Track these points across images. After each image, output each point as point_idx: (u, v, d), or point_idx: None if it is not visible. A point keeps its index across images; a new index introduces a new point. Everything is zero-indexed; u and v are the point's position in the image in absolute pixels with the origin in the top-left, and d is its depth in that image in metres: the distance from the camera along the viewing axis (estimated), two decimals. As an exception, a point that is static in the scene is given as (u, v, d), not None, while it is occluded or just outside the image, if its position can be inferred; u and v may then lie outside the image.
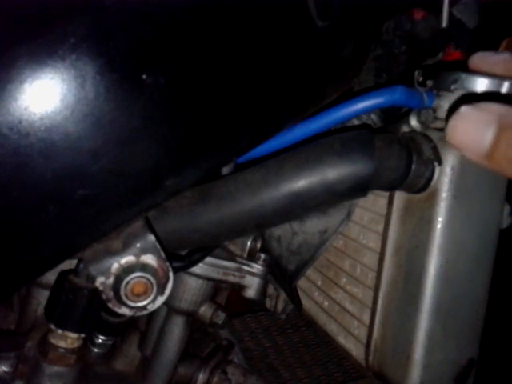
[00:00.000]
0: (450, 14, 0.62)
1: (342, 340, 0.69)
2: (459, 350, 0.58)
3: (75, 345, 0.57)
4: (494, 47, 0.51)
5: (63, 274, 0.56)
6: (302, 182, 0.50)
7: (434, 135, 0.55)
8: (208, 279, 0.68)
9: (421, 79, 0.58)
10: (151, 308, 0.50)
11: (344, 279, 0.70)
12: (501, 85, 0.47)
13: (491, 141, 0.30)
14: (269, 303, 0.86)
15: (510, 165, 0.30)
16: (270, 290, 0.84)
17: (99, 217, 0.44)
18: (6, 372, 0.60)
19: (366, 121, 0.61)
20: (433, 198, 0.54)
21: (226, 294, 0.79)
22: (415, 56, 0.64)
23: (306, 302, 0.80)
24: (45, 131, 0.38)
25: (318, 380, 1.31)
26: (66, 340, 0.56)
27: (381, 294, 0.60)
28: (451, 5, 0.62)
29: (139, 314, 0.50)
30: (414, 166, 0.53)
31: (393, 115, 0.62)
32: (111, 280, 0.48)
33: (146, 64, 0.41)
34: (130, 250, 0.48)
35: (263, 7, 0.48)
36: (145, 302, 0.49)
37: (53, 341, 0.56)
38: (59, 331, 0.55)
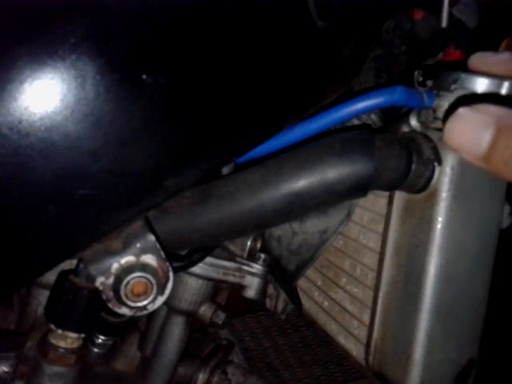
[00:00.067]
0: (450, 14, 0.62)
1: (342, 340, 0.69)
2: (459, 350, 0.58)
3: (75, 345, 0.57)
4: (494, 47, 0.51)
5: (63, 274, 0.56)
6: (302, 182, 0.50)
7: (434, 135, 0.55)
8: (208, 279, 0.68)
9: (421, 79, 0.58)
10: (151, 308, 0.50)
11: (344, 279, 0.70)
12: (501, 85, 0.47)
13: (488, 143, 0.30)
14: (269, 303, 0.86)
15: (506, 167, 0.30)
16: (270, 290, 0.84)
17: (99, 217, 0.44)
18: (6, 372, 0.60)
19: (366, 121, 0.61)
20: (433, 198, 0.54)
21: (225, 294, 0.79)
22: (415, 56, 0.64)
23: (306, 302, 0.80)
24: (45, 131, 0.38)
25: (318, 380, 1.31)
26: (66, 340, 0.56)
27: (381, 294, 0.60)
28: (451, 5, 0.62)
29: (139, 314, 0.50)
30: (414, 166, 0.53)
31: (393, 115, 0.62)
32: (111, 280, 0.48)
33: (146, 64, 0.41)
34: (130, 250, 0.48)
35: (263, 7, 0.48)
36: (145, 302, 0.49)
37: (53, 341, 0.56)
38: (59, 331, 0.55)
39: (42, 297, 0.66)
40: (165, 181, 0.46)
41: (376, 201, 0.64)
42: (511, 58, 0.43)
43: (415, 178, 0.54)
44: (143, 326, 0.74)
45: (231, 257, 0.68)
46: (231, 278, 0.67)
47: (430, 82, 0.57)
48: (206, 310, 0.70)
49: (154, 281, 0.49)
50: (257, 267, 0.68)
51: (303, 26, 0.52)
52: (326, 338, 0.74)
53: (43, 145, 0.38)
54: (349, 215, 0.65)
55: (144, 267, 0.49)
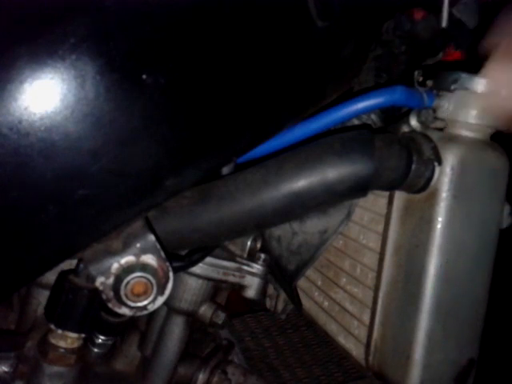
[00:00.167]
0: (450, 14, 0.62)
1: (342, 340, 0.69)
2: (459, 350, 0.58)
3: (75, 345, 0.57)
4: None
5: (63, 274, 0.56)
6: (302, 182, 0.50)
7: (434, 135, 0.55)
8: (208, 279, 0.68)
9: (421, 79, 0.58)
10: (151, 308, 0.50)
11: (344, 279, 0.70)
12: None
13: None
14: (269, 303, 0.86)
15: None
16: (270, 289, 0.84)
17: (99, 217, 0.44)
18: (6, 372, 0.60)
19: (366, 121, 0.61)
20: (433, 198, 0.54)
21: (225, 294, 0.79)
22: (415, 56, 0.64)
23: (306, 302, 0.80)
24: (45, 131, 0.38)
25: (318, 380, 1.31)
26: (66, 340, 0.56)
27: (381, 294, 0.60)
28: (451, 5, 0.62)
29: (139, 314, 0.50)
30: (414, 166, 0.53)
31: (393, 115, 0.62)
32: (111, 280, 0.48)
33: (146, 64, 0.41)
34: (130, 250, 0.48)
35: (263, 7, 0.48)
36: (145, 302, 0.49)
37: (53, 341, 0.56)
38: (59, 331, 0.55)
39: (42, 297, 0.66)
40: (165, 181, 0.46)
41: (376, 201, 0.64)
42: None
43: (415, 178, 0.54)
44: (143, 326, 0.74)
45: (231, 257, 0.68)
46: (231, 278, 0.67)
47: (430, 82, 0.57)
48: (205, 310, 0.70)
49: (154, 281, 0.49)
50: (257, 267, 0.68)
51: (303, 26, 0.52)
52: (326, 338, 0.74)
53: (43, 145, 0.38)
54: (349, 215, 0.65)
55: (144, 267, 0.49)
